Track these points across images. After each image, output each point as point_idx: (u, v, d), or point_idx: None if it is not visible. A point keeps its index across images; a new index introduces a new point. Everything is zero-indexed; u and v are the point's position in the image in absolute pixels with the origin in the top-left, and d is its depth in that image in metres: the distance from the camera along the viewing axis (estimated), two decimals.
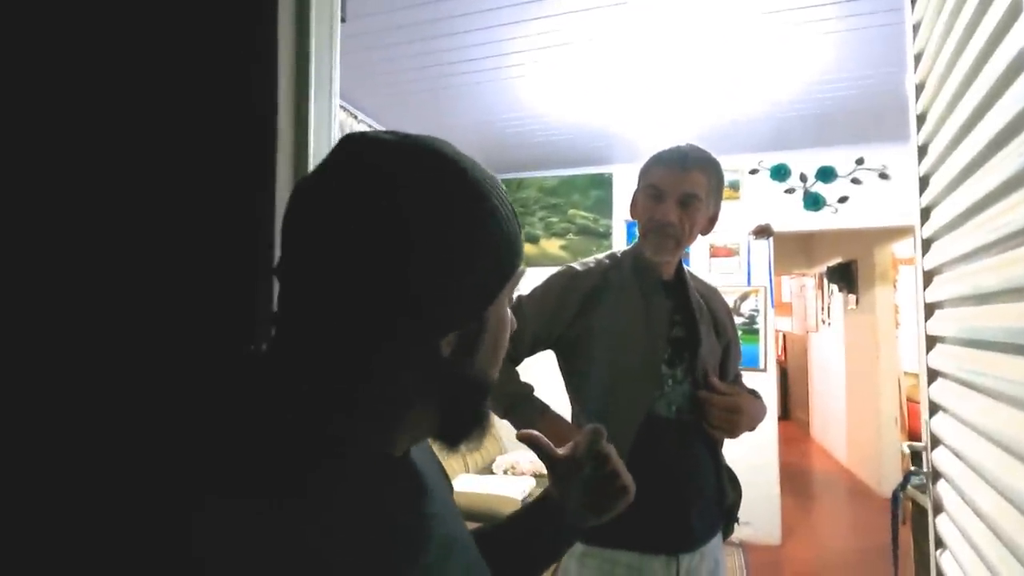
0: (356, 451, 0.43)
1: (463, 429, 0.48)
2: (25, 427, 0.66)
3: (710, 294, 1.29)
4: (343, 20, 0.84)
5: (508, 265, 0.44)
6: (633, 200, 1.24)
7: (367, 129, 2.61)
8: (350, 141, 0.43)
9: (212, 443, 0.40)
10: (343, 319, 0.39)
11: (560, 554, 0.66)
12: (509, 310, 0.49)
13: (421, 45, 2.31)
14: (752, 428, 1.18)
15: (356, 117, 2.88)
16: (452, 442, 0.49)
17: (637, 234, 1.24)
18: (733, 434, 1.15)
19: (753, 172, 3.65)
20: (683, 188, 1.13)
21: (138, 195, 0.73)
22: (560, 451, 0.65)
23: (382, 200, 0.38)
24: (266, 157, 0.72)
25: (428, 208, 0.39)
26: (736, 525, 1.23)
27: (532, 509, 0.66)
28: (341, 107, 2.72)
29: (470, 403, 0.48)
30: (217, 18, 0.74)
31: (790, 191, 3.58)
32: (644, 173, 1.20)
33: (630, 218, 1.27)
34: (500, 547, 0.61)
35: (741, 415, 1.13)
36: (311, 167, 0.76)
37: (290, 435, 0.41)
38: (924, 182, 1.07)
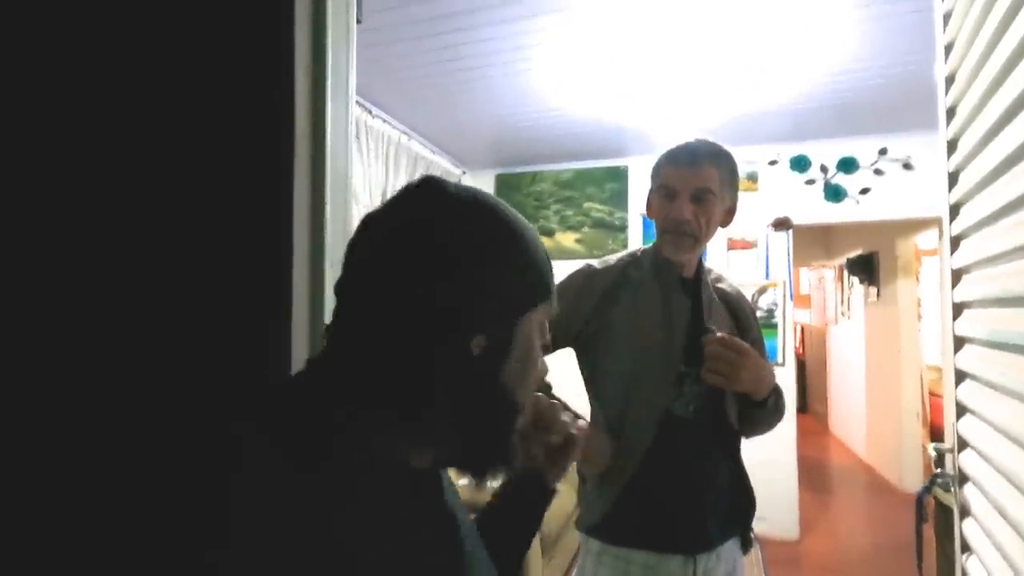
0: (386, 462, 0.45)
1: (489, 454, 0.50)
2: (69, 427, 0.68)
3: (733, 292, 1.27)
4: (359, 21, 0.84)
5: (537, 291, 0.51)
6: (648, 200, 1.22)
7: (382, 124, 2.60)
8: (414, 188, 0.50)
9: (238, 458, 0.40)
10: (391, 315, 0.45)
11: (539, 516, 0.69)
12: (541, 349, 0.53)
13: (435, 40, 2.30)
14: (757, 389, 1.08)
15: (371, 113, 2.88)
16: (477, 469, 0.51)
17: (655, 232, 1.23)
18: (733, 380, 1.04)
19: (772, 163, 3.58)
20: (695, 184, 1.11)
21: (159, 194, 0.74)
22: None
23: (428, 226, 0.46)
24: (284, 156, 0.72)
25: (467, 235, 0.47)
26: (752, 536, 1.20)
27: (502, 484, 0.70)
28: (356, 103, 2.72)
29: (497, 418, 0.50)
30: (235, 21, 0.74)
31: (810, 182, 3.51)
32: (655, 172, 1.18)
33: (647, 218, 1.25)
34: (487, 526, 0.64)
35: (744, 358, 1.03)
36: (328, 165, 0.77)
37: (314, 440, 0.42)
38: (953, 178, 1.04)
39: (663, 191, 1.15)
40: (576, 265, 1.26)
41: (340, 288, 0.48)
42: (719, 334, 1.07)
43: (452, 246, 0.46)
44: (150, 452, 0.66)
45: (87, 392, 0.73)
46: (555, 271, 0.58)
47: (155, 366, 0.72)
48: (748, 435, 1.20)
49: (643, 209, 1.25)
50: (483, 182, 4.15)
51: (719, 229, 1.19)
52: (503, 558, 0.61)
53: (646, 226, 3.80)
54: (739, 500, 1.17)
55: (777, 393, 1.16)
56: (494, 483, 0.53)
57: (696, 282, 1.20)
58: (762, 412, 1.14)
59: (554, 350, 1.23)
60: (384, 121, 3.00)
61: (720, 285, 1.25)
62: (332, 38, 0.78)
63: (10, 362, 0.75)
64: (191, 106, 0.74)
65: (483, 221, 0.48)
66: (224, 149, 0.74)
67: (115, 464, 0.68)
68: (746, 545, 1.20)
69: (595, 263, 1.25)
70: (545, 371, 0.54)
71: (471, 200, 0.49)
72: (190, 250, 0.73)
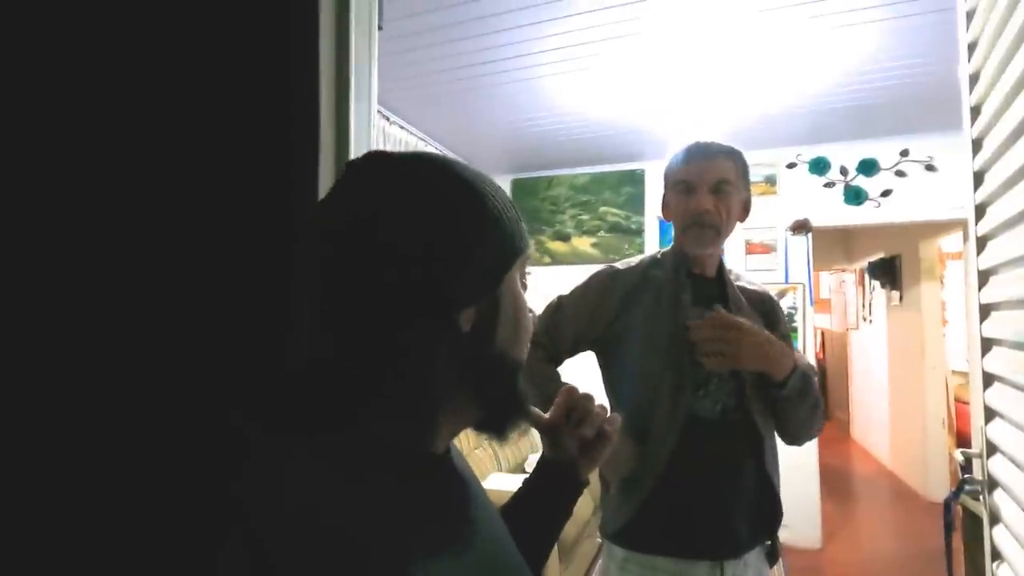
0: (397, 450, 0.45)
1: (503, 413, 0.50)
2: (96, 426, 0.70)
3: (757, 289, 1.25)
4: (380, 28, 0.85)
5: (510, 247, 0.48)
6: (664, 201, 1.22)
7: (400, 131, 2.62)
8: (356, 164, 0.48)
9: (252, 453, 0.41)
10: (374, 310, 0.43)
11: (569, 509, 0.68)
12: (527, 301, 0.51)
13: (451, 47, 2.32)
14: (768, 366, 1.04)
15: (388, 120, 2.91)
16: (496, 429, 0.50)
17: (673, 233, 1.22)
18: (735, 359, 1.02)
19: (790, 166, 3.55)
20: (713, 176, 1.12)
21: (184, 203, 0.76)
22: (546, 416, 0.68)
23: (392, 204, 0.44)
24: (309, 162, 0.74)
25: (430, 205, 0.44)
26: (778, 546, 1.17)
27: (533, 476, 0.70)
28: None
29: (502, 381, 0.49)
30: (261, 29, 0.76)
31: (830, 185, 3.47)
32: (670, 172, 1.19)
33: (664, 219, 1.24)
34: (515, 517, 0.63)
35: (741, 333, 1.00)
36: None
37: (329, 438, 0.42)
38: (979, 177, 1.03)
39: (681, 187, 1.15)
40: (593, 269, 1.26)
41: (305, 289, 0.46)
42: (711, 315, 1.04)
43: (420, 226, 0.43)
44: (159, 451, 0.67)
45: (88, 392, 0.74)
46: (571, 274, 0.57)
47: (178, 370, 0.74)
48: (789, 435, 1.15)
49: (660, 213, 1.25)
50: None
51: (737, 227, 1.19)
52: (530, 550, 0.60)
53: (663, 230, 3.78)
54: (766, 505, 1.14)
55: (805, 378, 1.08)
56: (513, 434, 0.51)
57: (720, 280, 1.19)
58: (786, 395, 1.07)
59: (575, 353, 1.23)
60: (402, 128, 3.04)
61: (740, 284, 1.24)
62: (355, 45, 0.79)
63: (52, 348, 0.77)
64: (218, 115, 0.76)
65: (445, 190, 0.46)
66: (251, 156, 0.75)
67: (120, 462, 0.69)
68: (773, 557, 1.16)
69: (618, 265, 1.25)
70: (534, 317, 0.53)
71: (425, 169, 0.47)
72: (216, 256, 0.75)
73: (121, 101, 0.79)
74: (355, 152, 0.79)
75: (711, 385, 1.12)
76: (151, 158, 0.77)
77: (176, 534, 0.37)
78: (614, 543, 1.15)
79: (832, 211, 3.45)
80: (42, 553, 0.69)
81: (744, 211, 1.19)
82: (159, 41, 0.78)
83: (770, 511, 1.15)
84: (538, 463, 0.70)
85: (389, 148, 2.91)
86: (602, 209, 3.96)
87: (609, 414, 0.68)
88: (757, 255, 3.58)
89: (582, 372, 1.34)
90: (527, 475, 0.71)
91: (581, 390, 0.68)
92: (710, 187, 1.12)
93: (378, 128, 2.82)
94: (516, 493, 0.69)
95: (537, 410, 0.67)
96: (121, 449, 0.71)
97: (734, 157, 1.15)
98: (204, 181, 0.76)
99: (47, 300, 0.78)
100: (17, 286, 0.77)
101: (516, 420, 0.51)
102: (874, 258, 5.36)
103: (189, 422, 0.68)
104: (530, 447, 3.71)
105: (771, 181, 3.57)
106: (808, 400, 1.10)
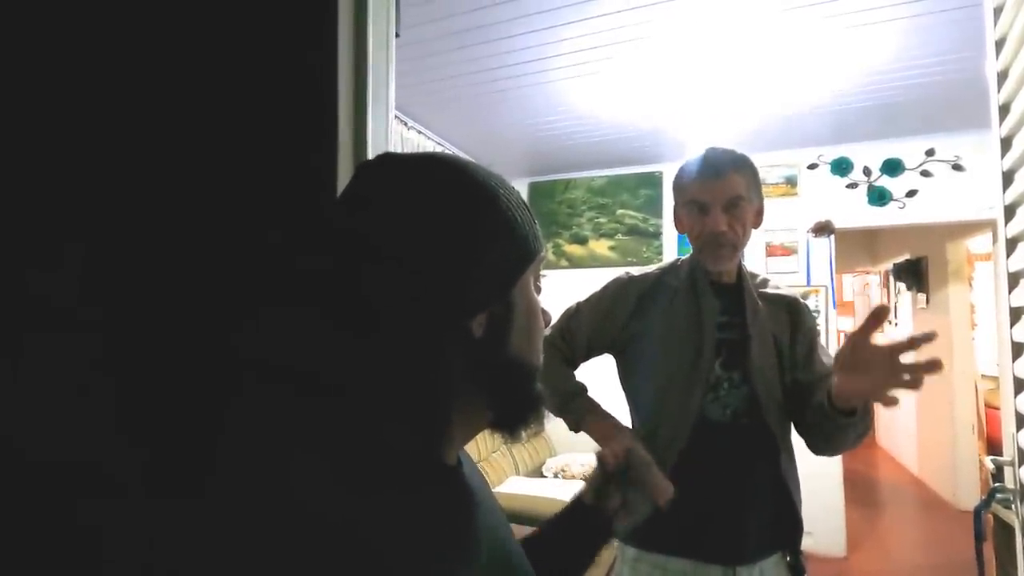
0: (407, 460, 0.44)
1: (517, 413, 0.49)
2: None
3: (783, 292, 1.23)
4: (397, 35, 0.86)
5: (524, 250, 0.47)
6: (676, 216, 1.22)
7: (417, 135, 2.63)
8: (368, 167, 0.48)
9: (273, 463, 0.41)
10: (384, 319, 0.42)
11: (595, 555, 0.68)
12: (540, 300, 0.51)
13: (467, 52, 2.33)
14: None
15: (406, 124, 2.94)
16: (510, 428, 0.50)
17: (691, 246, 1.21)
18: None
19: (812, 167, 3.49)
20: (726, 195, 1.10)
21: (206, 211, 0.77)
22: (611, 464, 0.67)
23: (402, 207, 0.43)
24: (328, 168, 0.75)
25: (441, 208, 0.44)
26: (802, 560, 1.13)
27: (564, 515, 0.68)
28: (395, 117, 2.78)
29: (515, 384, 0.49)
30: (280, 37, 0.77)
31: (852, 186, 3.41)
32: (680, 188, 1.17)
33: (678, 232, 1.24)
34: (539, 553, 0.62)
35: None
36: None
37: (338, 445, 0.42)
38: (1008, 177, 1.00)
39: (694, 206, 1.14)
40: (610, 272, 1.28)
41: (314, 292, 0.45)
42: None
43: (430, 230, 0.42)
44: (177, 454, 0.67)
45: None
46: (588, 277, 0.56)
47: (192, 367, 0.75)
48: (821, 450, 1.11)
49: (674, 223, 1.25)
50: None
51: (753, 231, 1.18)
52: None
53: (681, 234, 3.75)
54: (783, 513, 1.12)
55: (867, 409, 0.99)
56: (528, 433, 0.51)
57: (739, 287, 1.18)
58: (848, 423, 0.98)
59: (590, 356, 1.24)
60: (419, 132, 3.06)
61: (765, 290, 1.22)
62: (372, 53, 0.80)
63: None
64: (236, 122, 0.78)
65: (456, 192, 0.45)
66: (271, 161, 0.76)
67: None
68: (796, 572, 1.12)
69: (633, 271, 1.26)
70: (549, 319, 0.52)
71: (436, 171, 0.46)
72: (235, 265, 0.76)
73: (151, 106, 0.81)
74: (372, 157, 0.79)
75: (721, 390, 1.13)
76: (161, 164, 0.79)
77: (180, 533, 0.37)
78: (626, 543, 1.16)
79: (855, 212, 3.39)
80: (34, 538, 0.70)
81: (758, 218, 1.17)
82: (177, 50, 0.80)
83: (788, 520, 1.13)
84: (573, 503, 0.69)
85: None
86: (619, 212, 3.94)
87: (663, 484, 0.67)
88: (778, 257, 3.53)
89: (597, 374, 1.34)
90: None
91: (630, 439, 0.68)
92: (723, 206, 1.11)
93: (396, 133, 2.85)
94: (544, 528, 0.68)
95: (610, 456, 0.67)
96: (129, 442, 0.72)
97: (744, 170, 1.12)
98: (219, 190, 0.77)
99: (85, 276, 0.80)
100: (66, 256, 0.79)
101: (529, 422, 0.50)
102: (899, 260, 5.25)
103: (195, 420, 0.68)
104: (548, 452, 3.70)
105: (792, 182, 3.52)
106: (861, 428, 1.02)
